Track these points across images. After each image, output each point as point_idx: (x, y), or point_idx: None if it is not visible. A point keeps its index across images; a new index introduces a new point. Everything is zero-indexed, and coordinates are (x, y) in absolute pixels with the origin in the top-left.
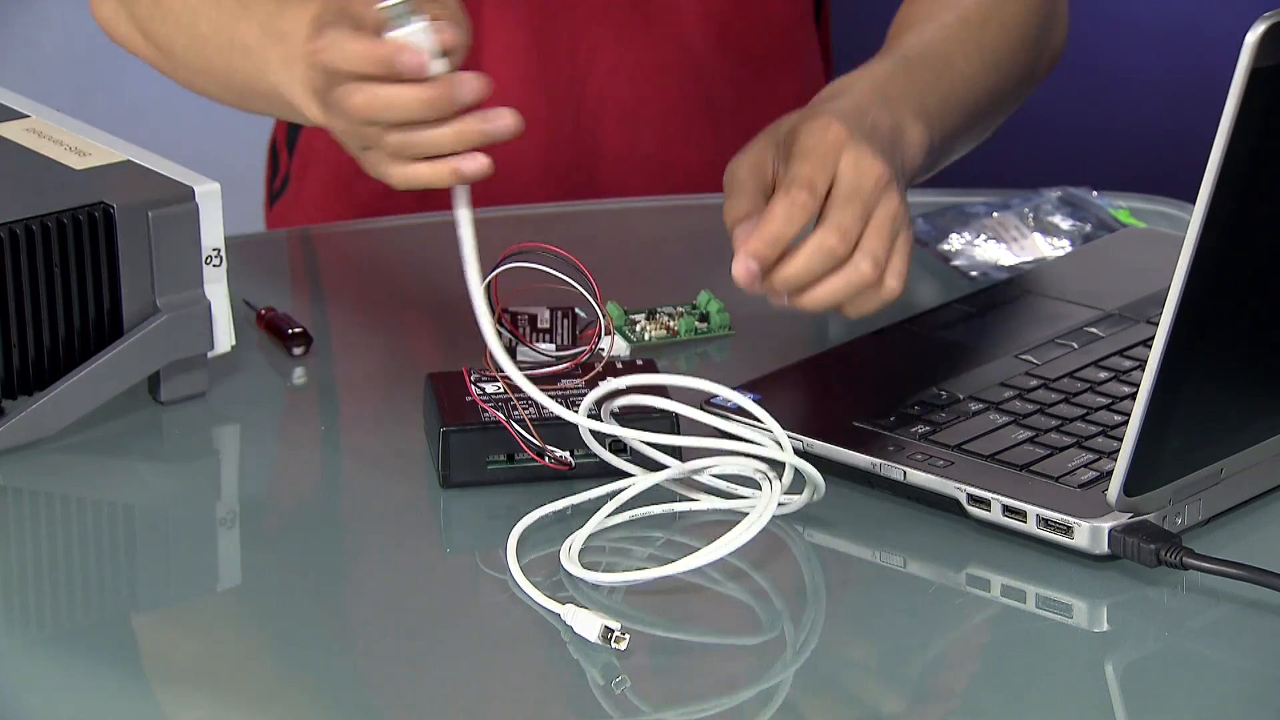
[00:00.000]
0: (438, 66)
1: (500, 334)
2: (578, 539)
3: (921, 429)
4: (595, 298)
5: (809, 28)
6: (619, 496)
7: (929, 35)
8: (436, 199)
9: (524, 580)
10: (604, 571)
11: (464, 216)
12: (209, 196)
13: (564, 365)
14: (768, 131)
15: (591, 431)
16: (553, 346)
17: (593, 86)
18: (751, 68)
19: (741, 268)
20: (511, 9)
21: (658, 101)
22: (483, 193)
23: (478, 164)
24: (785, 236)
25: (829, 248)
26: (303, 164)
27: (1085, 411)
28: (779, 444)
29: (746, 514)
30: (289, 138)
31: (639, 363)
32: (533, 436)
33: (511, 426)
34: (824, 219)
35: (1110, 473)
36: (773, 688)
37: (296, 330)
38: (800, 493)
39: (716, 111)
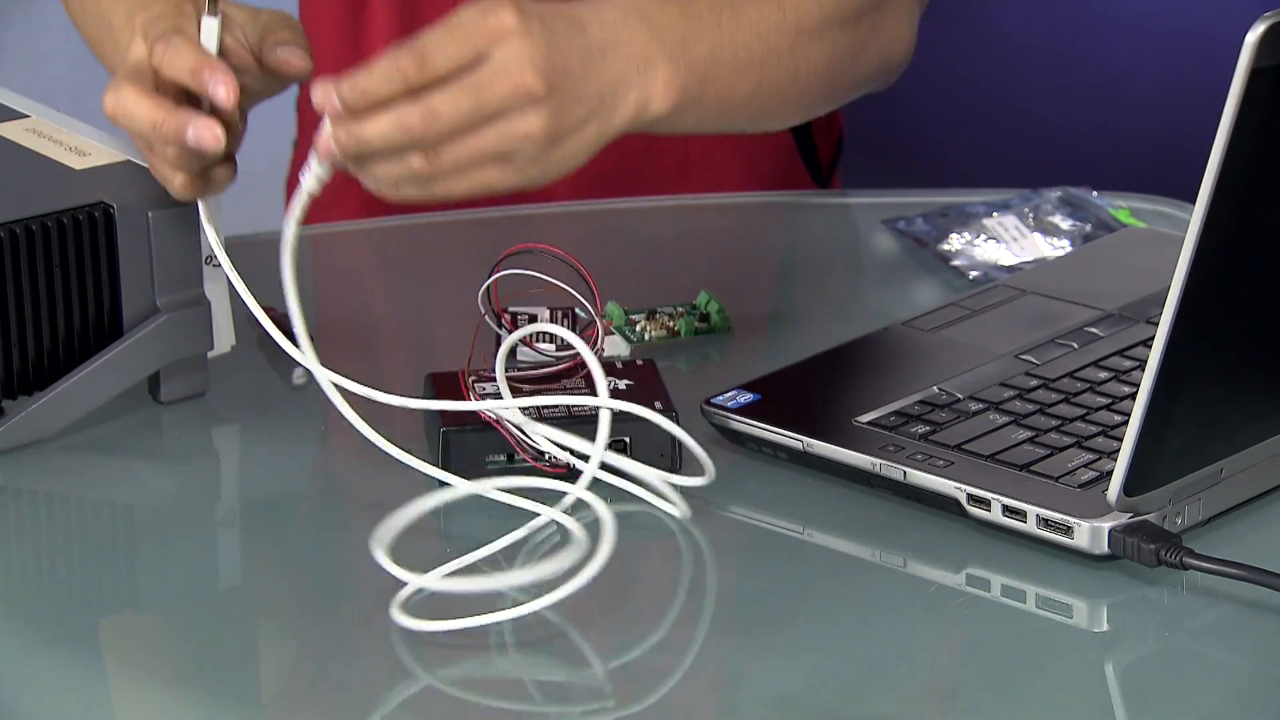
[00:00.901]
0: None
1: (500, 335)
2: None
3: (921, 429)
4: (594, 299)
5: None
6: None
7: None
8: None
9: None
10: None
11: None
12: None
13: (562, 365)
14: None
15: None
16: (552, 347)
17: None
18: None
19: (326, 97)
20: None
21: None
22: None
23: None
24: (373, 91)
25: (407, 124)
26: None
27: (1085, 411)
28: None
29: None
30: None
31: (639, 363)
32: (530, 439)
33: (506, 429)
34: (432, 92)
35: (1110, 473)
36: (772, 688)
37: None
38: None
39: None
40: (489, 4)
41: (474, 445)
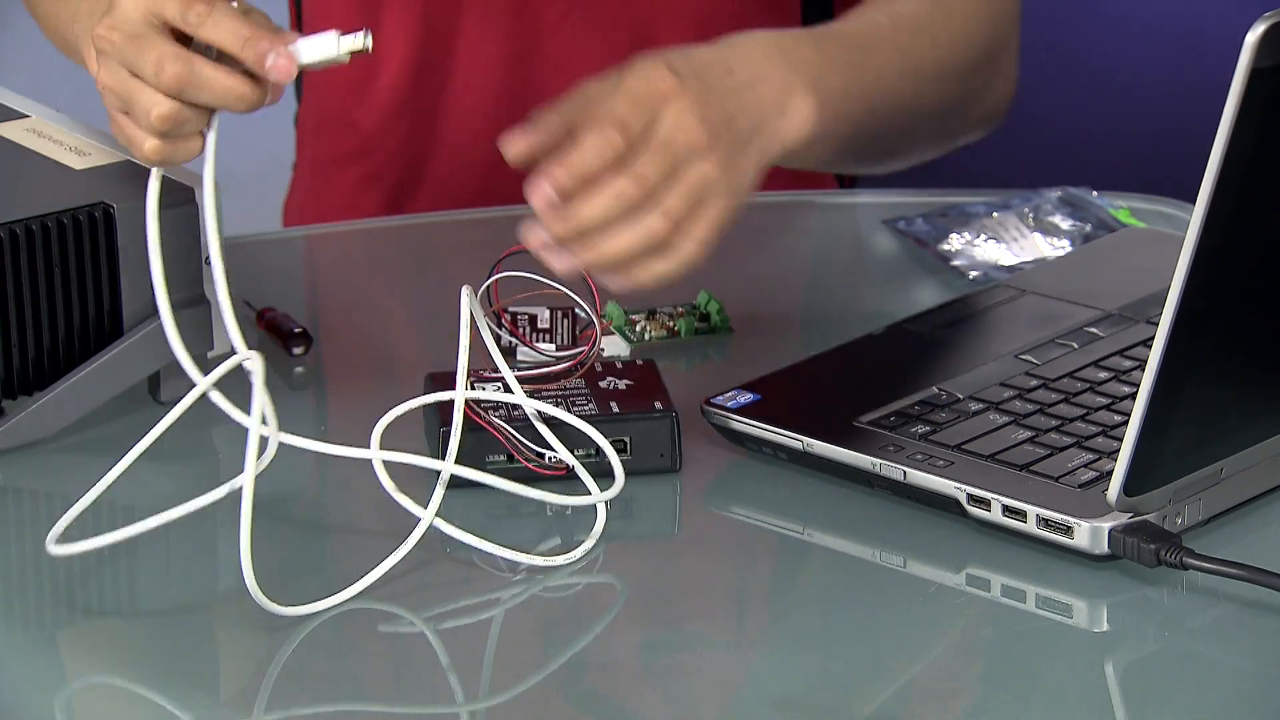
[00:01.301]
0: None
1: (500, 335)
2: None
3: (921, 429)
4: (593, 299)
5: None
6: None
7: (855, 24)
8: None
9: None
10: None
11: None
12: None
13: (562, 365)
14: (620, 70)
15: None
16: (552, 347)
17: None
18: None
19: (540, 194)
20: (492, 25)
21: None
22: (481, 195)
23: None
24: (587, 169)
25: (622, 193)
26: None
27: (1085, 411)
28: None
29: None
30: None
31: (639, 363)
32: (529, 443)
33: (500, 433)
34: (627, 166)
35: (1110, 473)
36: (772, 688)
37: (296, 330)
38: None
39: None
40: (648, 71)
41: (473, 445)
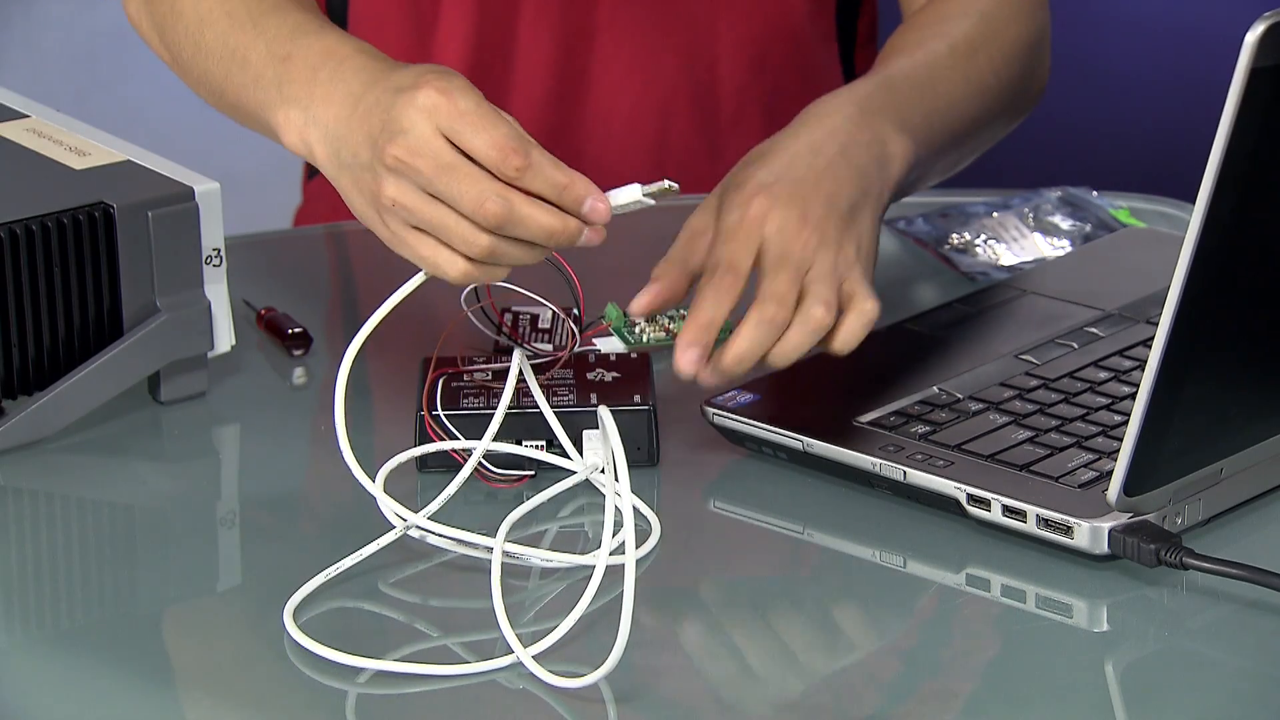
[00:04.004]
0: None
1: (499, 336)
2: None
3: (921, 429)
4: (577, 300)
5: (831, 51)
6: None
7: (917, 59)
8: None
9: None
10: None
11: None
12: (209, 196)
13: (547, 359)
14: (716, 190)
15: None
16: (550, 347)
17: (601, 109)
18: (779, 94)
19: (686, 360)
20: (545, 27)
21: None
22: None
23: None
24: (716, 320)
25: (768, 318)
26: None
27: (1085, 411)
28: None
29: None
30: None
31: (633, 356)
32: (492, 470)
33: (462, 456)
34: (758, 292)
35: (1110, 473)
36: (772, 688)
37: (296, 330)
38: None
39: (738, 135)
40: (736, 199)
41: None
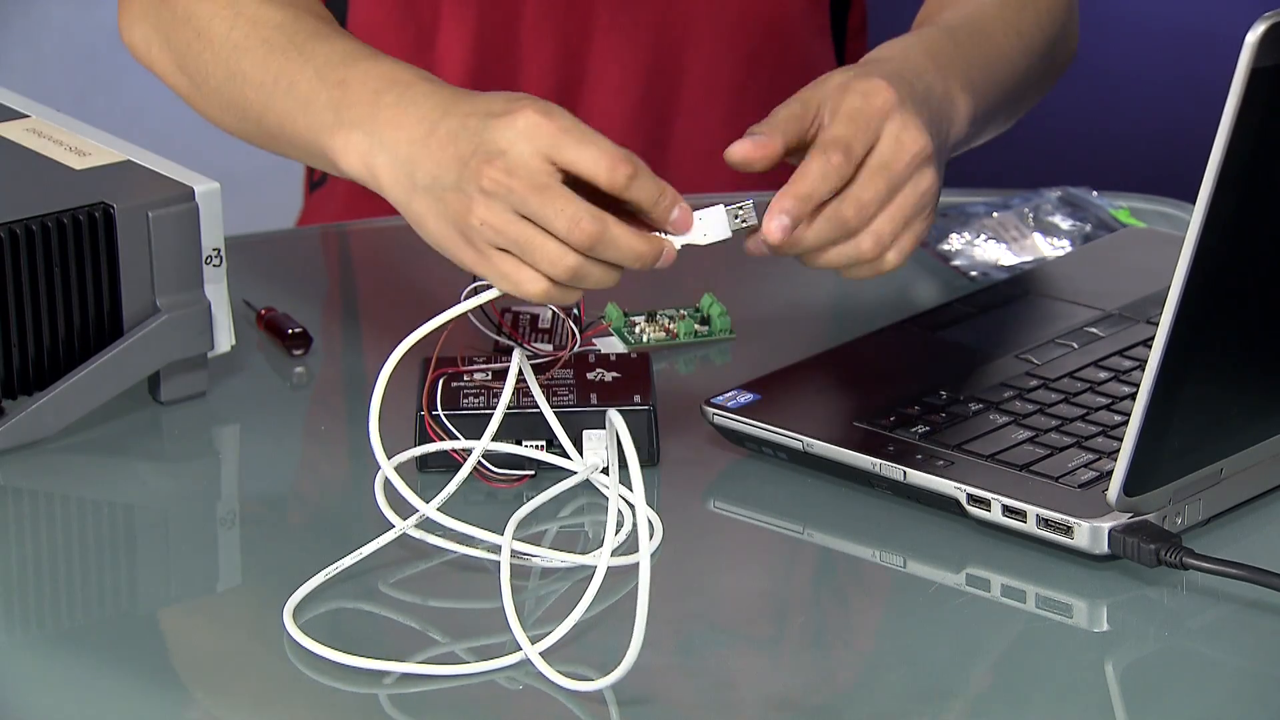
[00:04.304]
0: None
1: (499, 336)
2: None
3: (921, 429)
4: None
5: (826, 45)
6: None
7: (970, 11)
8: None
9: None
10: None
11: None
12: (209, 196)
13: (547, 359)
14: (814, 84)
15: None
16: (550, 347)
17: (602, 110)
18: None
19: (775, 226)
20: (547, 30)
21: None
22: None
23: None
24: (817, 196)
25: (843, 219)
26: None
27: (1085, 411)
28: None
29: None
30: None
31: (633, 356)
32: (492, 470)
33: (461, 455)
34: (848, 188)
35: (1110, 473)
36: (772, 688)
37: (296, 330)
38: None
39: (735, 134)
40: (865, 86)
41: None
